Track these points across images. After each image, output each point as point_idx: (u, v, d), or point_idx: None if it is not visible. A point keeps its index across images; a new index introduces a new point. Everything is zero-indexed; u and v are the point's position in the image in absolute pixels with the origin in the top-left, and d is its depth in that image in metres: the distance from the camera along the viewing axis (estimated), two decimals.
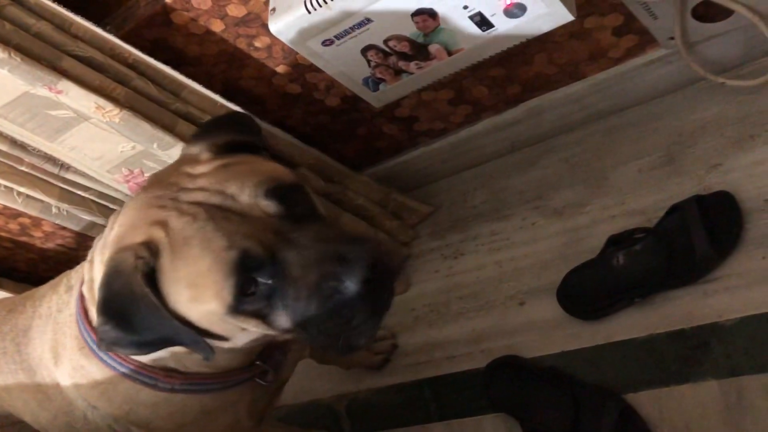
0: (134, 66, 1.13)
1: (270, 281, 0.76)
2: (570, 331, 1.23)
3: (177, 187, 0.80)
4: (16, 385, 1.00)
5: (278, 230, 0.77)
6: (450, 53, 1.05)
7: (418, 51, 1.05)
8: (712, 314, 1.10)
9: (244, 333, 0.82)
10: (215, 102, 1.20)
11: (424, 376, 1.38)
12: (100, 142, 1.18)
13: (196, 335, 0.80)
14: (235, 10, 1.13)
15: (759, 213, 1.12)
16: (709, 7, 1.08)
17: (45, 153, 1.24)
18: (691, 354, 1.10)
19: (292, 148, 1.33)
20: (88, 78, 1.06)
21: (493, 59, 1.10)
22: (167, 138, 1.13)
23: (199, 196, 0.78)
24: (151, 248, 0.77)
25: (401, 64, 1.08)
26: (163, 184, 0.82)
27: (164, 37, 1.18)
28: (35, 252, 1.69)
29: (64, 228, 1.57)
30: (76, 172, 1.30)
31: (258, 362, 0.96)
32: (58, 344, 0.95)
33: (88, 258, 0.89)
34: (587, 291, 1.21)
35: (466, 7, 0.97)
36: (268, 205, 0.77)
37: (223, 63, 1.24)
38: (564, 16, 0.98)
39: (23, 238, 1.63)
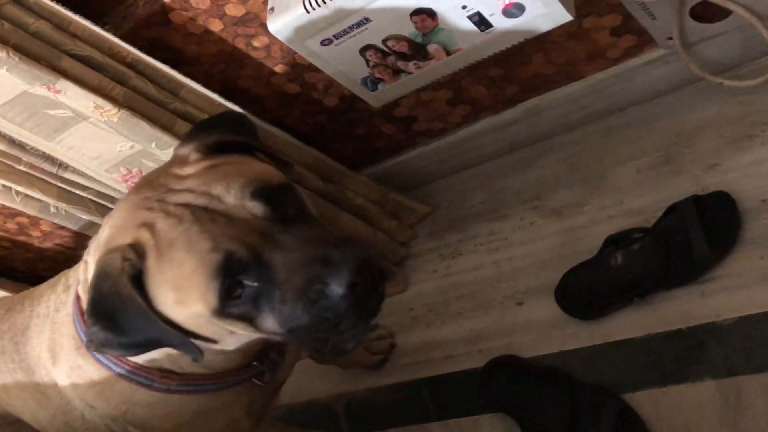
0: (133, 65, 1.13)
1: (256, 284, 0.75)
2: (568, 331, 1.23)
3: (165, 189, 0.80)
4: (14, 384, 1.00)
5: (264, 232, 0.76)
6: (448, 53, 1.05)
7: (417, 51, 1.05)
8: (710, 314, 1.10)
9: (232, 336, 0.82)
10: (213, 101, 1.20)
11: (422, 376, 1.38)
12: (99, 141, 1.18)
13: (184, 337, 0.79)
14: (234, 10, 1.13)
15: (757, 213, 1.12)
16: (707, 7, 1.08)
17: (43, 152, 1.24)
18: (689, 354, 1.10)
19: (290, 148, 1.33)
20: (87, 77, 1.06)
21: (491, 59, 1.10)
22: (166, 137, 1.13)
23: (186, 198, 0.78)
24: (138, 250, 0.77)
25: (400, 63, 1.08)
26: (151, 186, 0.81)
27: (163, 37, 1.18)
28: (33, 251, 1.69)
29: (62, 227, 1.57)
30: (75, 171, 1.30)
31: (255, 363, 0.96)
32: (55, 344, 0.95)
33: (83, 258, 0.89)
34: (585, 291, 1.21)
35: (464, 7, 0.97)
36: (255, 207, 0.77)
37: (221, 62, 1.24)
38: (562, 16, 0.98)
39: (21, 238, 1.63)
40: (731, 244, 1.12)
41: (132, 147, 1.19)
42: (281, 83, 1.29)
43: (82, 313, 0.90)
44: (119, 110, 1.08)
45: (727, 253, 1.12)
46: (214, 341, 0.83)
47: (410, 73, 1.10)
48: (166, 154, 1.15)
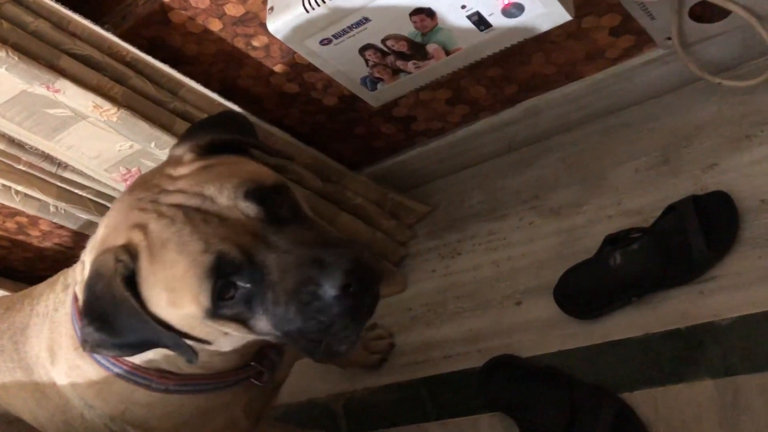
0: (132, 64, 1.13)
1: (249, 285, 0.75)
2: (567, 331, 1.23)
3: (158, 189, 0.80)
4: (13, 383, 1.00)
5: (257, 233, 0.75)
6: (448, 53, 1.05)
7: (416, 50, 1.06)
8: (708, 314, 1.10)
9: (226, 337, 0.82)
10: (213, 101, 1.20)
11: (420, 376, 1.38)
12: (98, 140, 1.18)
13: (178, 338, 0.79)
14: (233, 9, 1.13)
15: (755, 213, 1.13)
16: (706, 7, 1.08)
17: (42, 151, 1.24)
18: (688, 353, 1.10)
19: (289, 147, 1.33)
20: (86, 77, 1.06)
21: (490, 59, 1.10)
22: (165, 137, 1.13)
23: (179, 199, 0.77)
24: (131, 251, 0.77)
25: (399, 63, 1.08)
26: (145, 186, 0.81)
27: (162, 36, 1.18)
28: (32, 251, 1.69)
29: (61, 227, 1.57)
30: (74, 170, 1.30)
31: (253, 363, 0.96)
32: (54, 343, 0.95)
33: (81, 258, 0.89)
34: (584, 290, 1.21)
35: (464, 7, 0.97)
36: (248, 207, 0.76)
37: (220, 62, 1.24)
38: (562, 16, 0.98)
39: (20, 237, 1.63)
40: (730, 244, 1.12)
41: (131, 146, 1.19)
42: (280, 83, 1.29)
43: (80, 313, 0.90)
44: (118, 109, 1.08)
45: (726, 252, 1.12)
46: (208, 342, 0.83)
47: (409, 73, 1.10)
48: (165, 154, 1.15)
